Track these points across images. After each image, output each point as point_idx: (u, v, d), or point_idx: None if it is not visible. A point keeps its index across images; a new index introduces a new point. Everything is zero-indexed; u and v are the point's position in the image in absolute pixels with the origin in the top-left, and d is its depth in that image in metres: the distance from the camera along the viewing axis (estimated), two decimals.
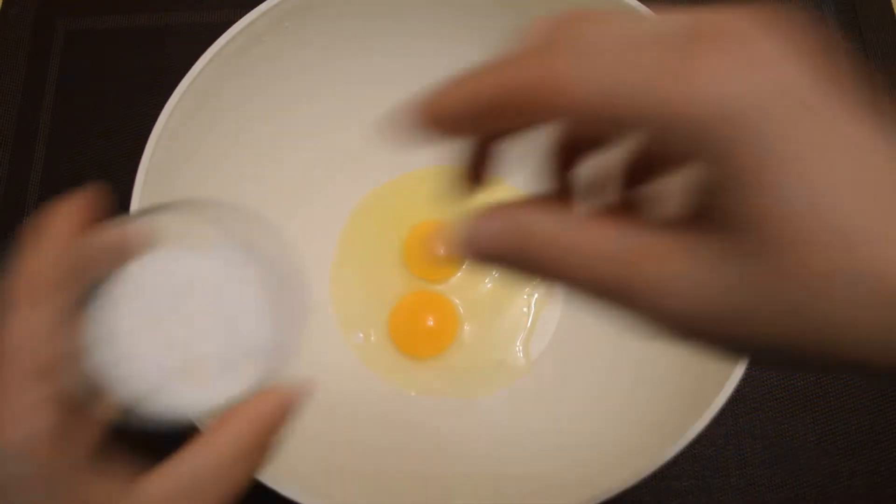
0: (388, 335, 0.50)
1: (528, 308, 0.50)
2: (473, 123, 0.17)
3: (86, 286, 0.25)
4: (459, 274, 0.52)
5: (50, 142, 0.56)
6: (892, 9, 0.58)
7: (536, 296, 0.51)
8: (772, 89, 0.14)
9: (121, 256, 0.26)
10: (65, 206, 0.25)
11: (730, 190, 0.14)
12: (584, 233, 0.16)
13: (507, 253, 0.18)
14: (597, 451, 0.42)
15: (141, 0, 0.60)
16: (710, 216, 0.15)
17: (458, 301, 0.51)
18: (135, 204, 0.39)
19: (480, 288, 0.51)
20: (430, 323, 0.49)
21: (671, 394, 0.42)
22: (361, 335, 0.50)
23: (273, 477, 0.35)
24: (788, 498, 0.47)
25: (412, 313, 0.50)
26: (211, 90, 0.43)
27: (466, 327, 0.51)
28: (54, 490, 0.22)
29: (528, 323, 0.50)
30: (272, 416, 0.25)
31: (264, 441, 0.25)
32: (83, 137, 0.56)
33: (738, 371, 0.37)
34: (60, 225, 0.25)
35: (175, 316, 0.25)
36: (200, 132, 0.43)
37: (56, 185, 0.55)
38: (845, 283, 0.14)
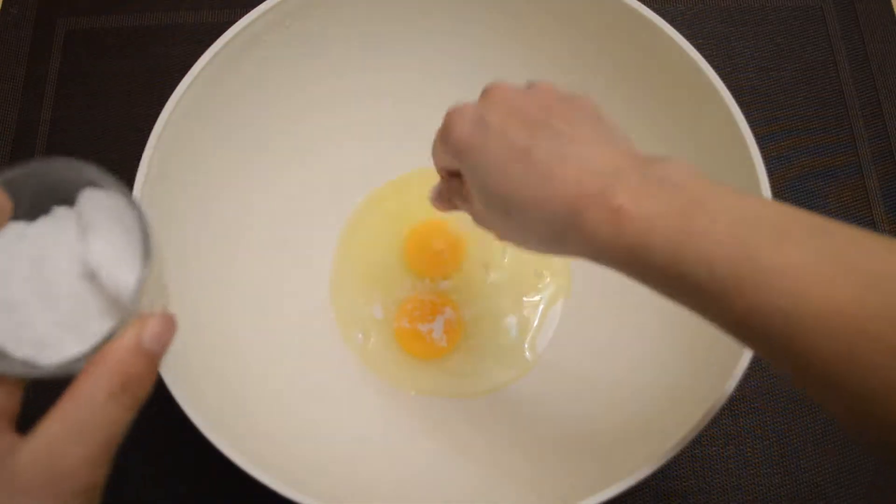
0: (388, 335, 0.50)
1: (535, 308, 0.50)
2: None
3: None
4: (460, 272, 0.52)
5: (50, 141, 0.56)
6: (892, 9, 0.58)
7: (543, 296, 0.51)
8: (460, 145, 0.32)
9: None
10: None
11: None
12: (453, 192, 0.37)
13: (442, 202, 0.39)
14: (598, 448, 0.42)
15: (141, 0, 0.60)
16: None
17: (459, 300, 0.51)
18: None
19: (482, 286, 0.51)
20: (436, 325, 0.49)
21: (671, 392, 0.42)
22: (361, 335, 0.50)
23: (271, 476, 0.35)
24: (788, 497, 0.47)
25: (419, 315, 0.50)
26: (211, 90, 0.43)
27: (468, 325, 0.51)
28: None
29: (535, 322, 0.50)
30: (136, 350, 0.26)
31: (134, 375, 0.26)
32: (83, 137, 0.56)
33: (738, 369, 0.37)
34: None
35: (34, 280, 0.27)
36: (201, 131, 0.44)
37: None
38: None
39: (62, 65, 0.58)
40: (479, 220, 0.34)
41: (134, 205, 0.27)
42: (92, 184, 0.28)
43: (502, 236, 0.33)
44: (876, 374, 0.22)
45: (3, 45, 0.59)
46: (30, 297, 0.26)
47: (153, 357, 0.26)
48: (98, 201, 0.28)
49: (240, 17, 0.43)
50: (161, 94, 0.41)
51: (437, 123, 0.46)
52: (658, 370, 0.44)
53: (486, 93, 0.32)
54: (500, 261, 0.52)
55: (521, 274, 0.51)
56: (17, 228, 0.28)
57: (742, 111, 0.40)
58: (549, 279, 0.51)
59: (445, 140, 0.32)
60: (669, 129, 0.45)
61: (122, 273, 0.27)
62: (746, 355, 0.36)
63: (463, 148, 0.31)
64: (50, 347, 0.26)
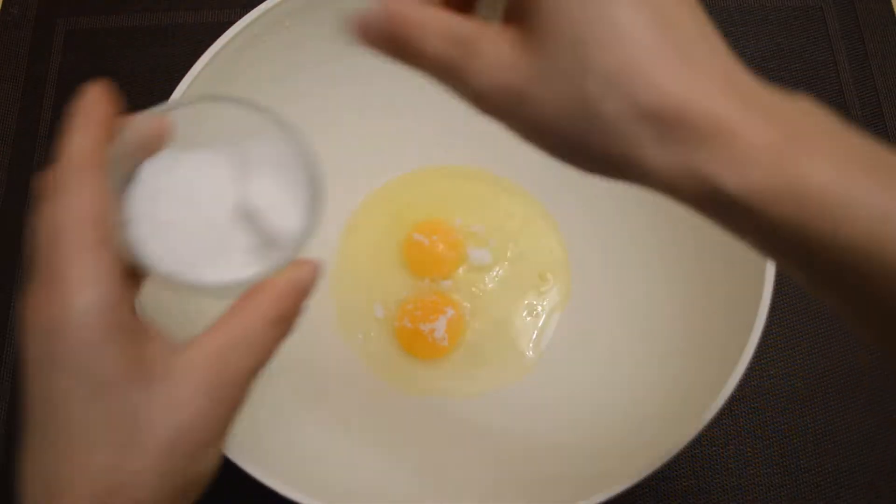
0: (389, 335, 0.50)
1: (537, 308, 0.50)
2: None
3: (123, 170, 0.28)
4: (461, 272, 0.52)
5: (50, 142, 0.56)
6: (892, 9, 0.58)
7: (545, 297, 0.51)
8: None
9: (151, 146, 0.28)
10: (95, 94, 0.28)
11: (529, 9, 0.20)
12: (435, 17, 0.22)
13: (381, 34, 0.23)
14: (599, 449, 0.42)
15: (141, 0, 0.60)
16: (522, 16, 0.20)
17: (460, 299, 0.51)
18: None
19: (483, 286, 0.51)
20: (437, 324, 0.49)
21: (670, 393, 0.42)
22: (362, 335, 0.50)
23: (269, 475, 0.35)
24: (788, 497, 0.47)
25: (420, 313, 0.50)
26: (211, 90, 0.43)
27: (469, 325, 0.51)
28: (120, 346, 0.24)
29: (537, 322, 0.50)
30: (294, 289, 0.28)
31: (289, 308, 0.28)
32: None
33: (738, 369, 0.37)
34: (97, 111, 0.27)
35: (203, 206, 0.28)
36: (200, 131, 0.43)
37: None
38: (609, 86, 0.19)
39: (62, 65, 0.58)
40: (492, 87, 0.21)
41: (308, 153, 0.29)
42: (261, 130, 0.29)
43: (536, 128, 0.22)
44: None
45: (3, 45, 0.59)
46: (179, 220, 0.28)
47: (303, 298, 0.28)
48: (265, 146, 0.29)
49: (240, 17, 0.43)
50: (161, 94, 0.41)
51: (437, 126, 0.48)
52: (658, 370, 0.43)
53: None
54: (501, 261, 0.52)
55: (523, 275, 0.51)
56: (175, 153, 0.29)
57: None
58: (551, 281, 0.51)
59: None
60: None
61: (284, 218, 0.28)
62: (746, 355, 0.36)
63: None
64: (189, 271, 0.27)
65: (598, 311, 0.49)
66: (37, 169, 0.56)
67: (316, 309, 0.47)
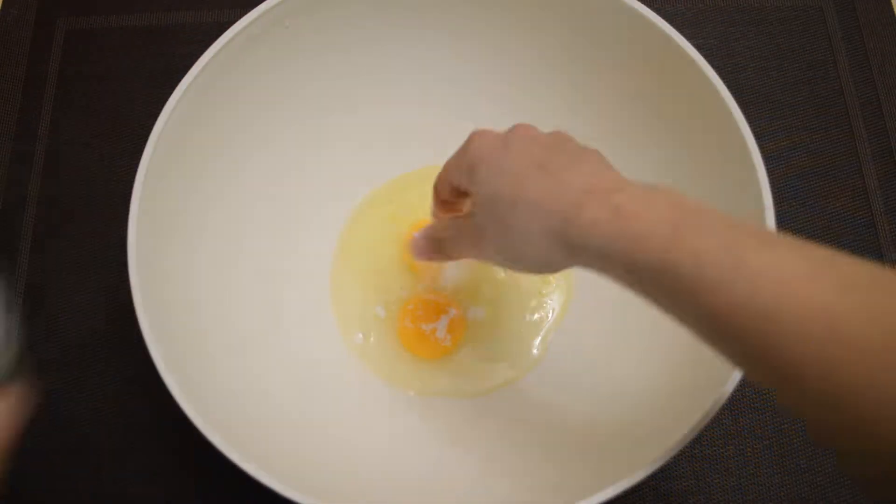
0: (390, 335, 0.50)
1: (539, 308, 0.50)
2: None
3: None
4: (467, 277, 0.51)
5: (49, 141, 0.56)
6: (892, 9, 0.58)
7: (548, 296, 0.50)
8: (479, 154, 0.33)
9: None
10: None
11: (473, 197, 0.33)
12: (447, 228, 0.38)
13: (430, 249, 0.40)
14: (597, 451, 0.42)
15: (141, 0, 0.60)
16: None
17: (462, 299, 0.50)
18: (134, 205, 0.39)
19: (486, 286, 0.51)
20: (439, 324, 0.49)
21: (670, 392, 0.42)
22: (361, 335, 0.50)
23: (270, 476, 0.35)
24: (788, 498, 0.47)
25: (422, 314, 0.50)
26: (211, 90, 0.43)
27: (471, 324, 0.50)
28: None
29: (540, 321, 0.50)
30: None
31: None
32: (83, 137, 0.56)
33: (737, 372, 0.36)
34: None
35: None
36: (201, 130, 0.43)
37: (56, 185, 0.55)
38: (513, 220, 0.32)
39: (62, 65, 0.58)
40: (473, 243, 0.35)
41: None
42: None
43: (497, 253, 0.34)
44: (842, 371, 0.23)
45: (3, 45, 0.59)
46: None
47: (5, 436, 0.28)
48: None
49: (240, 17, 0.43)
50: (161, 94, 0.41)
51: (436, 126, 0.48)
52: (658, 370, 0.43)
53: (510, 129, 0.34)
54: None
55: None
56: None
57: (742, 110, 0.40)
58: (553, 281, 0.51)
59: (464, 153, 0.34)
60: (669, 128, 0.45)
61: None
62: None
63: (483, 156, 0.33)
64: None
65: (600, 310, 0.48)
66: (37, 168, 0.55)
67: (315, 309, 0.49)
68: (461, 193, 0.37)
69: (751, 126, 0.40)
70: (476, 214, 0.34)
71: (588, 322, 0.49)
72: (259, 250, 0.48)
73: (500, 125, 0.36)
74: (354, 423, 0.46)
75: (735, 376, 0.36)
